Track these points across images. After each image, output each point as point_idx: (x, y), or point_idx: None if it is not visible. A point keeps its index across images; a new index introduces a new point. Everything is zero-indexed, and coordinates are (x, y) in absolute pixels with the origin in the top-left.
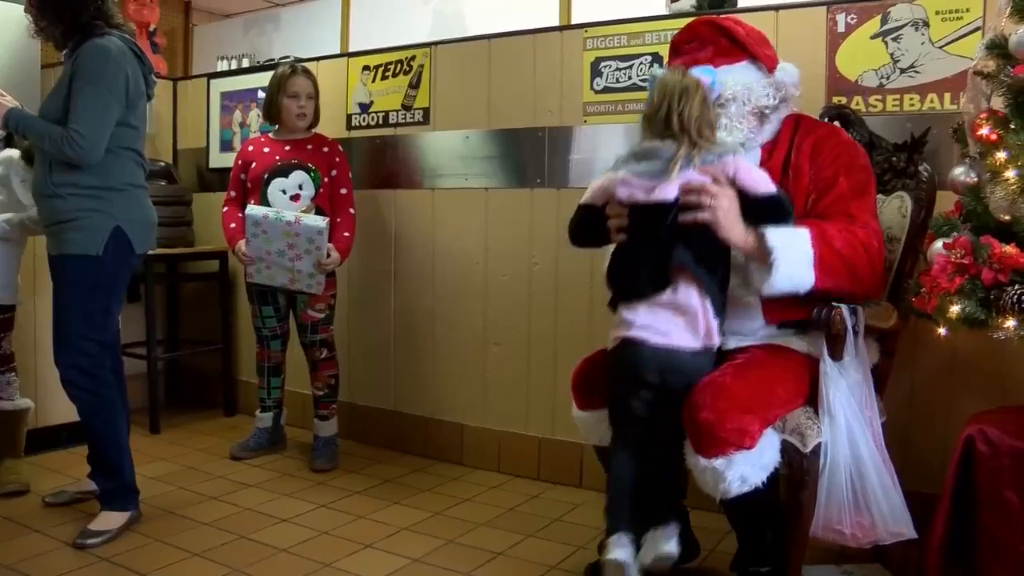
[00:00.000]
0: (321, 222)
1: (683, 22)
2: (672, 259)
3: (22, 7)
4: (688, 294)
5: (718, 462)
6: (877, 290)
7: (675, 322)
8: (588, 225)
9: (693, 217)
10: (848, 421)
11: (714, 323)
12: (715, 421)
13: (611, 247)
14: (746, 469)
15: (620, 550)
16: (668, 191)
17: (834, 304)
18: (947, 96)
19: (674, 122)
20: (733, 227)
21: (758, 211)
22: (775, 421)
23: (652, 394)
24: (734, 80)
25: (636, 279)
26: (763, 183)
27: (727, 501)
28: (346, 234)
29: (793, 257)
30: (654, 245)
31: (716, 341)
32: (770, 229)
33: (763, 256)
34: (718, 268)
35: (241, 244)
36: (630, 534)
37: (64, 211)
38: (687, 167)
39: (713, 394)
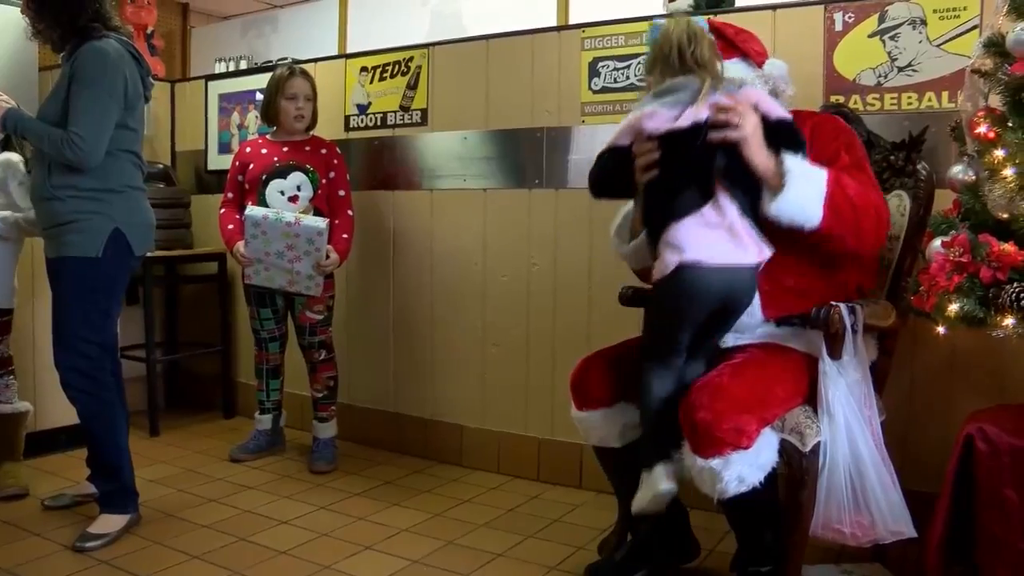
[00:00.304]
0: (321, 223)
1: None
2: (713, 168)
3: (19, 9)
4: (730, 210)
5: (715, 462)
6: (874, 253)
7: (725, 240)
8: (613, 170)
9: (723, 135)
10: (847, 420)
11: (758, 237)
12: (712, 421)
13: (627, 205)
14: (743, 469)
15: (667, 481)
16: (700, 113)
17: (832, 303)
18: (945, 94)
19: (689, 60)
20: (759, 150)
21: (777, 135)
22: (773, 421)
23: (705, 319)
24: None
25: (679, 199)
26: (781, 110)
27: (725, 501)
28: (345, 235)
29: (808, 190)
30: (690, 166)
31: (767, 254)
32: (790, 156)
33: (780, 183)
34: (748, 192)
35: (240, 245)
36: (670, 464)
37: (63, 213)
38: (713, 94)
39: (710, 394)
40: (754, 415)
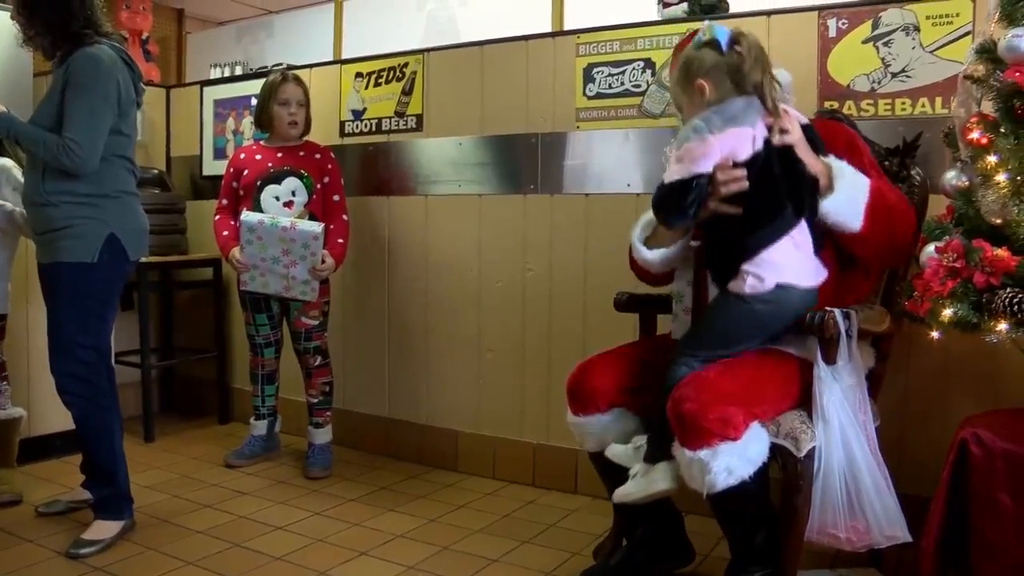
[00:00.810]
0: (317, 227)
1: (675, 28)
2: (803, 188)
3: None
4: (806, 230)
5: (703, 453)
6: (900, 263)
7: (806, 260)
8: (695, 199)
9: (781, 140)
10: (842, 425)
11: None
12: (698, 411)
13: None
14: (732, 460)
15: (667, 481)
16: (764, 132)
17: (827, 308)
18: (938, 100)
19: (766, 92)
20: (808, 153)
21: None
22: (763, 417)
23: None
24: None
25: (772, 223)
26: (803, 117)
27: (715, 497)
28: (340, 240)
29: (853, 193)
30: (781, 182)
31: (824, 274)
32: (834, 159)
33: (829, 183)
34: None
35: (235, 251)
36: (674, 464)
37: (58, 219)
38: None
39: (696, 387)
40: (741, 407)
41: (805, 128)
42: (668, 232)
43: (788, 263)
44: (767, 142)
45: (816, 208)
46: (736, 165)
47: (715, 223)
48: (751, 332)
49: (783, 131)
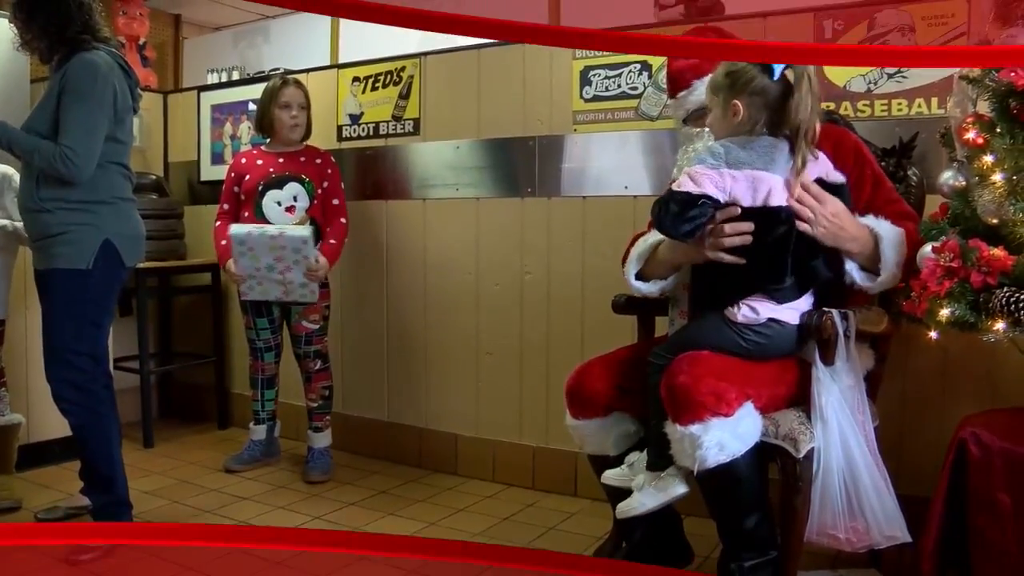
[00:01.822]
0: (304, 231)
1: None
2: (816, 274)
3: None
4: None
5: (695, 427)
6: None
7: (803, 303)
8: (697, 220)
9: (802, 228)
10: (841, 426)
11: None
12: (691, 385)
13: (642, 245)
14: (723, 436)
15: (682, 484)
16: (790, 198)
17: (825, 309)
18: (934, 101)
19: (801, 141)
20: (838, 234)
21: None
22: (757, 400)
23: None
24: None
25: (776, 285)
26: (838, 175)
27: (705, 475)
28: (332, 241)
29: (896, 265)
30: (789, 254)
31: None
32: (875, 224)
33: (869, 256)
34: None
35: (230, 264)
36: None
37: (53, 225)
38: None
39: (690, 362)
40: (734, 384)
41: (839, 188)
42: (664, 263)
43: (783, 305)
44: (788, 212)
45: (829, 284)
46: (745, 210)
47: (712, 265)
48: (736, 353)
49: (802, 219)
